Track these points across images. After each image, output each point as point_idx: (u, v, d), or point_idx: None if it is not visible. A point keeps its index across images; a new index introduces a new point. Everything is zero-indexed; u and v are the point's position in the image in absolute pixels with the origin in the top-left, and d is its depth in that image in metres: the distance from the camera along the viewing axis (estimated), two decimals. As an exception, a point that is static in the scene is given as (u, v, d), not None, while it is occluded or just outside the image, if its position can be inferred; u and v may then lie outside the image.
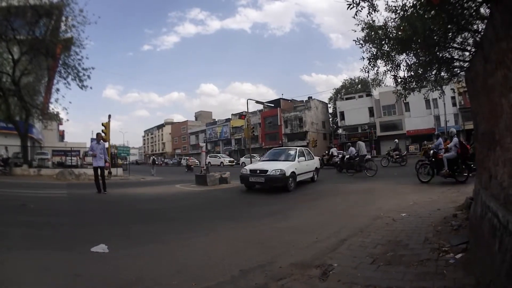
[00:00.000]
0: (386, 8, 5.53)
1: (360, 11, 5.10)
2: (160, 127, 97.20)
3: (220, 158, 42.14)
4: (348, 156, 16.25)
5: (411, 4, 5.03)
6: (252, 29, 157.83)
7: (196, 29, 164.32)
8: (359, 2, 4.87)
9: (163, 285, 3.11)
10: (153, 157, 36.09)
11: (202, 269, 3.55)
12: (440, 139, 11.11)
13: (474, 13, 4.37)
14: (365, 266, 3.27)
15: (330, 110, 62.45)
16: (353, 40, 6.22)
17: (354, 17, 5.41)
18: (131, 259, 3.97)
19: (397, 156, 20.69)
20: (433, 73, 6.01)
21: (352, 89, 61.04)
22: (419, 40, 5.04)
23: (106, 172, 11.58)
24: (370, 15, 5.42)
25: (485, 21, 3.74)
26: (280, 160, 11.91)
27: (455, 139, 9.89)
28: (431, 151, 10.92)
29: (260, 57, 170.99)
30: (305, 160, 12.61)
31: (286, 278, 3.09)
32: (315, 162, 13.82)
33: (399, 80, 6.35)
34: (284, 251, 4.10)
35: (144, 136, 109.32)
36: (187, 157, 47.28)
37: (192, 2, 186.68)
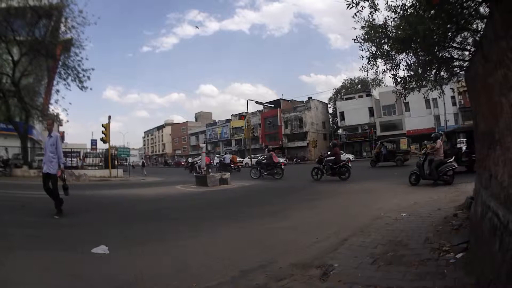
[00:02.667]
0: (386, 7, 5.53)
1: (361, 11, 5.11)
2: (160, 128, 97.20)
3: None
4: (263, 159, 19.42)
5: (410, 4, 5.03)
6: (250, 30, 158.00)
7: (194, 30, 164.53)
8: (359, 2, 4.87)
9: (163, 285, 3.10)
10: (143, 160, 38.09)
11: (202, 269, 3.55)
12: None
13: (473, 13, 4.38)
14: (366, 266, 3.27)
15: (330, 110, 62.45)
16: (353, 39, 6.22)
17: (353, 17, 5.42)
18: (132, 260, 3.97)
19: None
20: (433, 72, 6.01)
21: (352, 89, 61.05)
22: (418, 40, 5.05)
23: (61, 181, 6.81)
24: (371, 15, 5.43)
25: (485, 20, 3.75)
26: None
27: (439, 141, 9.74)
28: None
29: (259, 58, 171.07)
30: None
31: (287, 279, 3.08)
32: None
33: (399, 79, 6.35)
34: (284, 251, 4.10)
35: (144, 137, 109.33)
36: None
37: (190, 3, 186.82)
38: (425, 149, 12.60)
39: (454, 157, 10.58)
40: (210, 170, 18.05)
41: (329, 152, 15.57)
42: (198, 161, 29.22)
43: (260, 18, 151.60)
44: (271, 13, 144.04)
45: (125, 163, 30.51)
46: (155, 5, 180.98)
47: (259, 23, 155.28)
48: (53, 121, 8.33)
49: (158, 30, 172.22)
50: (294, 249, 4.16)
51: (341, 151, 23.64)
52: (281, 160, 22.89)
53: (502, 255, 2.05)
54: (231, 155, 28.93)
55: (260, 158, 18.82)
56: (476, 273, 2.61)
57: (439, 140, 10.19)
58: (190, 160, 35.03)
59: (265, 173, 17.03)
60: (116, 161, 24.53)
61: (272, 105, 57.87)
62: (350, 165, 13.93)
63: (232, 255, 4.12)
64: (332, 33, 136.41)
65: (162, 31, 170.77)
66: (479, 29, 4.53)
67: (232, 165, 24.76)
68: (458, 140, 15.56)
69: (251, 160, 33.87)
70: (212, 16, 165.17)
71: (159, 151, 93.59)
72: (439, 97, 32.54)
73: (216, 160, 38.81)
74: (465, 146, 13.76)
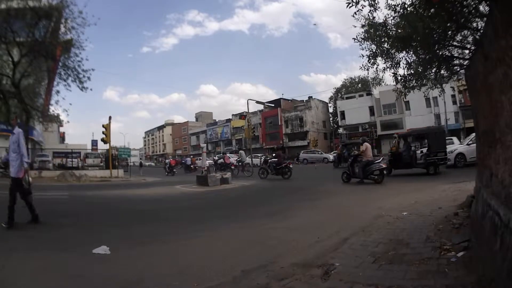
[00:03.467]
0: (386, 6, 5.52)
1: (361, 10, 5.10)
2: (160, 128, 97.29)
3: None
4: (237, 159, 22.32)
5: (410, 2, 5.02)
6: (250, 30, 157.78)
7: (194, 30, 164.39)
8: (359, 1, 4.87)
9: (164, 286, 3.11)
10: (141, 160, 37.99)
11: (203, 269, 3.55)
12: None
13: (473, 11, 4.36)
14: (367, 265, 3.26)
15: (331, 110, 62.45)
16: (353, 38, 6.21)
17: (353, 16, 5.42)
18: (133, 260, 3.97)
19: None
20: (433, 71, 5.99)
21: (353, 88, 61.02)
22: (418, 38, 5.04)
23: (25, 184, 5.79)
24: (371, 14, 5.42)
25: (485, 19, 3.74)
26: None
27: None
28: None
29: (259, 57, 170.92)
30: None
31: (288, 278, 3.08)
32: None
33: (399, 78, 6.33)
34: (285, 250, 4.10)
35: (145, 137, 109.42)
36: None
37: (189, 4, 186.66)
38: (353, 151, 15.14)
39: (382, 158, 12.05)
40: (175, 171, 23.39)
41: (273, 154, 18.31)
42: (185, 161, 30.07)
43: (260, 18, 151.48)
44: (270, 13, 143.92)
45: (131, 164, 30.83)
46: (155, 6, 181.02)
47: (259, 23, 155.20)
48: (16, 117, 7.94)
49: (158, 31, 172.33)
50: (295, 248, 4.16)
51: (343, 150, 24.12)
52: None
53: (503, 254, 2.05)
54: (191, 157, 32.85)
55: (268, 157, 18.66)
56: (477, 271, 2.61)
57: (366, 143, 11.68)
58: (166, 160, 34.68)
59: (272, 173, 16.41)
60: (117, 162, 24.56)
61: (273, 105, 57.81)
62: (291, 166, 16.52)
63: (233, 255, 4.12)
64: (332, 33, 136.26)
65: (162, 32, 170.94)
66: (479, 27, 4.52)
67: (192, 166, 28.21)
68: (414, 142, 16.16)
69: (251, 160, 33.90)
70: (211, 17, 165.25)
71: (159, 151, 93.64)
72: (440, 96, 32.55)
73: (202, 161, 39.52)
74: (426, 149, 14.28)
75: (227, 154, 24.57)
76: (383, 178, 10.91)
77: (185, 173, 27.18)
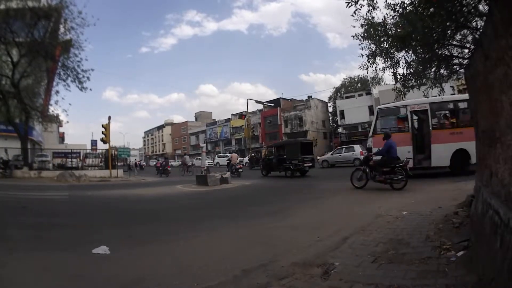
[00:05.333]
0: (385, 5, 5.52)
1: (359, 9, 5.10)
2: (160, 128, 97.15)
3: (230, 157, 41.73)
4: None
5: (409, 2, 5.03)
6: (248, 30, 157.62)
7: (193, 30, 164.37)
8: (358, 0, 4.87)
9: (164, 285, 3.11)
10: (135, 160, 39.68)
11: (203, 269, 3.55)
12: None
13: (473, 10, 4.37)
14: (367, 264, 3.26)
15: (330, 109, 62.32)
16: (352, 36, 6.20)
17: (352, 15, 5.42)
18: (132, 260, 3.98)
19: None
20: (433, 70, 6.00)
21: (352, 88, 60.92)
22: (418, 37, 5.04)
23: None
24: (370, 13, 5.42)
25: (484, 18, 3.74)
26: None
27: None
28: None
29: (258, 57, 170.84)
30: None
31: (288, 277, 3.08)
32: None
33: (399, 77, 6.34)
34: (285, 250, 4.10)
35: (144, 137, 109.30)
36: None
37: (188, 4, 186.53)
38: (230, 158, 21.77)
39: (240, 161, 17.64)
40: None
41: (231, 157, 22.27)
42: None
43: (258, 18, 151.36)
44: (269, 13, 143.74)
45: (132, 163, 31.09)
46: (153, 6, 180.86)
47: (257, 23, 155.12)
48: None
49: (157, 31, 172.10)
50: (295, 248, 4.16)
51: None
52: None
53: (503, 253, 2.05)
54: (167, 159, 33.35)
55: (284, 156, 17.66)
56: (477, 271, 2.61)
57: (234, 154, 19.28)
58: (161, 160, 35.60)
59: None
60: (116, 162, 24.55)
61: (272, 104, 57.79)
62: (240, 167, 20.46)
63: (233, 254, 4.12)
64: (330, 32, 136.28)
65: (161, 32, 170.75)
66: (479, 27, 4.52)
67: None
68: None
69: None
70: (210, 17, 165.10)
71: (159, 151, 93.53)
72: (439, 95, 32.55)
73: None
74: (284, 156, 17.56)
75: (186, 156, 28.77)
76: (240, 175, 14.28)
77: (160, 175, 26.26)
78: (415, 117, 12.36)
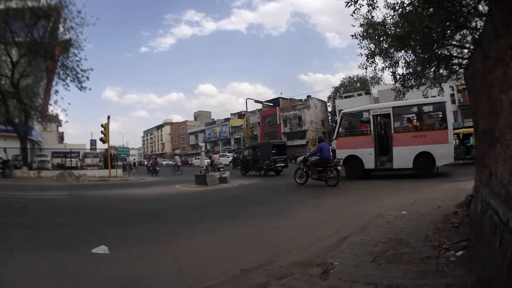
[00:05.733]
0: (384, 5, 5.52)
1: (359, 9, 5.10)
2: (159, 127, 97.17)
3: (230, 157, 42.04)
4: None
5: (409, 1, 5.02)
6: (247, 30, 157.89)
7: (192, 30, 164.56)
8: (357, 0, 4.87)
9: (164, 285, 3.11)
10: (134, 160, 39.45)
11: (203, 268, 3.55)
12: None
13: (472, 11, 4.37)
14: (366, 264, 3.26)
15: (329, 109, 62.36)
16: (351, 36, 6.20)
17: (352, 15, 5.41)
18: (132, 260, 3.97)
19: None
20: (432, 70, 6.00)
21: (351, 87, 60.93)
22: (417, 37, 5.04)
23: None
24: (370, 13, 5.42)
25: (484, 18, 3.74)
26: None
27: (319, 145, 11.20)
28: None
29: (257, 57, 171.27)
30: None
31: (287, 277, 3.08)
32: None
33: (398, 77, 6.34)
34: (284, 250, 4.10)
35: (143, 137, 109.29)
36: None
37: (187, 4, 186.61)
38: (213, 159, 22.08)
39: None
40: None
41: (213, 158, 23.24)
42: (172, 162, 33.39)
43: (257, 17, 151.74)
44: (268, 13, 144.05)
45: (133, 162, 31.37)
46: (152, 6, 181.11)
47: (256, 23, 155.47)
48: None
49: (156, 31, 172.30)
50: (294, 247, 4.16)
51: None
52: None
53: (502, 253, 2.05)
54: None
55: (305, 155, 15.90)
56: (476, 271, 2.61)
57: (216, 156, 22.03)
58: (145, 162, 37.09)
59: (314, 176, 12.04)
60: (115, 161, 24.54)
61: (271, 104, 57.78)
62: (222, 166, 21.12)
63: (233, 254, 4.12)
64: (329, 32, 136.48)
65: (160, 32, 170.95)
66: (478, 27, 4.52)
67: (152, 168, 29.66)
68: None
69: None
70: (209, 16, 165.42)
71: (158, 151, 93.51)
72: (438, 95, 32.54)
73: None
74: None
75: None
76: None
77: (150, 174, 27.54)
78: (380, 120, 12.78)
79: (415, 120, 12.17)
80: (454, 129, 12.77)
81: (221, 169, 20.08)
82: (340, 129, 13.33)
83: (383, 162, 12.21)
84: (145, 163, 35.89)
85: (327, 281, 2.94)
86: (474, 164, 10.62)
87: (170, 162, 43.56)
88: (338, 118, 14.68)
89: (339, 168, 10.91)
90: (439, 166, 11.55)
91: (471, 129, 16.01)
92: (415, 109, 12.32)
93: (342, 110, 17.10)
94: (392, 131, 11.98)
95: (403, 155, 11.54)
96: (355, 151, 12.44)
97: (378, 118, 12.63)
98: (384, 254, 3.50)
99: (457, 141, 15.51)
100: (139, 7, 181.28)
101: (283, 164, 18.74)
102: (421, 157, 11.28)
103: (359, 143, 12.40)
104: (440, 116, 11.80)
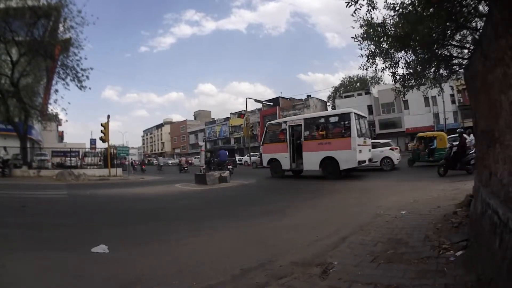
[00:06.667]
0: (384, 5, 5.52)
1: (359, 9, 5.09)
2: (159, 126, 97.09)
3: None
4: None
5: (409, 2, 5.02)
6: (247, 30, 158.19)
7: (192, 30, 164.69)
8: (357, 0, 4.86)
9: (163, 285, 3.11)
10: (132, 160, 40.29)
11: (202, 268, 3.55)
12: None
13: (472, 11, 4.37)
14: (366, 264, 3.27)
15: (329, 109, 62.33)
16: (352, 37, 6.19)
17: (352, 15, 5.40)
18: (132, 259, 3.98)
19: None
20: (432, 70, 5.99)
21: (351, 87, 60.95)
22: (417, 38, 5.04)
23: None
24: (369, 13, 5.41)
25: (484, 18, 3.74)
26: None
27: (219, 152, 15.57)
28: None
29: (256, 57, 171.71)
30: None
31: (287, 277, 3.09)
32: None
33: (398, 77, 6.33)
34: (284, 249, 4.10)
35: (143, 136, 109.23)
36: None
37: (186, 3, 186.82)
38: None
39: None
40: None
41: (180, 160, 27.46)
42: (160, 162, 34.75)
43: (257, 17, 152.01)
44: (267, 13, 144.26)
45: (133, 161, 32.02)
46: (152, 5, 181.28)
47: (256, 23, 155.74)
48: None
49: (156, 30, 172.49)
50: (294, 247, 4.16)
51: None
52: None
53: (502, 253, 2.06)
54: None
55: None
56: (476, 270, 2.62)
57: (183, 158, 28.78)
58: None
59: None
60: (115, 160, 24.52)
61: (271, 103, 57.73)
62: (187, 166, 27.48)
63: (232, 253, 4.13)
64: (329, 32, 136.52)
65: (160, 31, 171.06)
66: (479, 27, 4.52)
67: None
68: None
69: (250, 158, 34.00)
70: (208, 16, 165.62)
71: (158, 150, 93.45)
72: (438, 95, 32.56)
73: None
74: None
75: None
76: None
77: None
78: (294, 130, 15.01)
79: (321, 130, 14.05)
80: (438, 131, 13.35)
81: (185, 168, 27.14)
82: (266, 137, 16.45)
83: (298, 164, 14.60)
84: (132, 162, 35.92)
85: (326, 280, 2.94)
86: (435, 166, 11.49)
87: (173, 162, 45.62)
88: (264, 129, 17.48)
89: (229, 167, 18.22)
90: (343, 169, 12.86)
91: (435, 132, 18.13)
92: (322, 120, 14.58)
93: (268, 121, 19.71)
94: (302, 139, 14.31)
95: (311, 159, 13.76)
96: (275, 155, 15.39)
97: (293, 128, 15.01)
98: (383, 254, 3.50)
99: (418, 144, 16.84)
100: (138, 6, 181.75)
101: (231, 165, 21.15)
102: (327, 161, 13.12)
103: (278, 148, 15.26)
104: (346, 125, 13.18)
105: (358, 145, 12.68)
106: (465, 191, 5.89)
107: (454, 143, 11.69)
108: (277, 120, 18.06)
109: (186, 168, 27.28)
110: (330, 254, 3.70)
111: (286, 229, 5.25)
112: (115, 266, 3.75)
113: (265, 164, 16.18)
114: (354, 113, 13.19)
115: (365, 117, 15.55)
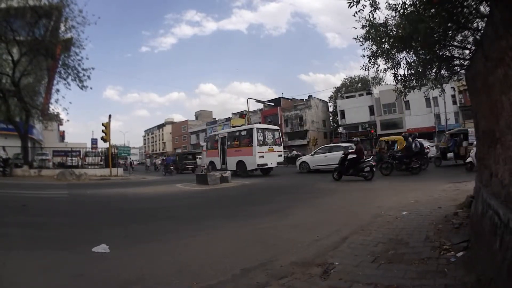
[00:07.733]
0: (386, 6, 5.51)
1: (362, 10, 5.09)
2: (160, 126, 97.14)
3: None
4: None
5: (411, 2, 5.02)
6: (248, 30, 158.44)
7: (192, 30, 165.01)
8: (359, 1, 4.86)
9: (164, 284, 3.11)
10: (131, 160, 40.28)
11: (203, 268, 3.55)
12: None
13: (474, 11, 4.36)
14: (366, 264, 3.27)
15: (331, 109, 62.34)
16: (353, 38, 6.19)
17: (354, 15, 5.40)
18: (132, 259, 3.98)
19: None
20: (433, 71, 5.99)
21: (352, 87, 60.93)
22: (419, 38, 5.03)
23: None
24: (372, 14, 5.41)
25: (485, 19, 3.74)
26: None
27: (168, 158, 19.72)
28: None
29: (257, 57, 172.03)
30: None
31: (288, 277, 3.09)
32: None
33: (399, 78, 6.33)
34: (285, 249, 4.10)
35: (144, 136, 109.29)
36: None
37: (187, 4, 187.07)
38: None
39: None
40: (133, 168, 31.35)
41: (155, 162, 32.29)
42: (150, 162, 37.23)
43: (258, 18, 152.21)
44: (268, 13, 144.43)
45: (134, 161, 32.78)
46: (153, 5, 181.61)
47: (257, 23, 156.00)
48: None
49: (156, 30, 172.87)
50: (294, 247, 4.16)
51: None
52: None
53: (502, 254, 2.06)
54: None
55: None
56: (476, 271, 2.61)
57: (157, 160, 32.45)
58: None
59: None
60: (116, 160, 24.56)
61: (273, 104, 57.75)
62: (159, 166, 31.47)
63: (233, 253, 4.13)
64: (330, 32, 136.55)
65: (160, 31, 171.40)
66: (480, 28, 4.52)
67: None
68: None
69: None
70: (209, 16, 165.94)
71: (159, 150, 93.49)
72: (440, 96, 32.53)
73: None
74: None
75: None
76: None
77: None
78: (223, 140, 20.26)
79: (236, 140, 19.14)
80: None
81: (158, 168, 32.04)
82: (207, 145, 22.34)
83: (225, 165, 19.35)
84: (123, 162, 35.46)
85: (327, 281, 2.94)
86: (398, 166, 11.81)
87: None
88: (206, 139, 24.35)
89: (171, 168, 26.56)
90: (249, 169, 17.76)
91: (395, 137, 20.23)
92: (237, 133, 19.61)
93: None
94: (226, 147, 19.71)
95: (230, 162, 19.08)
96: (212, 159, 20.48)
97: (222, 139, 20.29)
98: (384, 254, 3.50)
99: (380, 148, 19.61)
100: (139, 6, 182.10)
101: (192, 166, 28.80)
102: (240, 163, 18.25)
103: (214, 154, 20.70)
104: (251, 137, 17.93)
105: (259, 152, 17.43)
106: (466, 192, 5.88)
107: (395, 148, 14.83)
108: (213, 133, 24.25)
109: (159, 168, 31.63)
110: (330, 254, 3.70)
111: (286, 229, 5.25)
112: (115, 265, 3.75)
113: (206, 164, 18.87)
114: (257, 128, 18.43)
115: (276, 129, 20.36)
